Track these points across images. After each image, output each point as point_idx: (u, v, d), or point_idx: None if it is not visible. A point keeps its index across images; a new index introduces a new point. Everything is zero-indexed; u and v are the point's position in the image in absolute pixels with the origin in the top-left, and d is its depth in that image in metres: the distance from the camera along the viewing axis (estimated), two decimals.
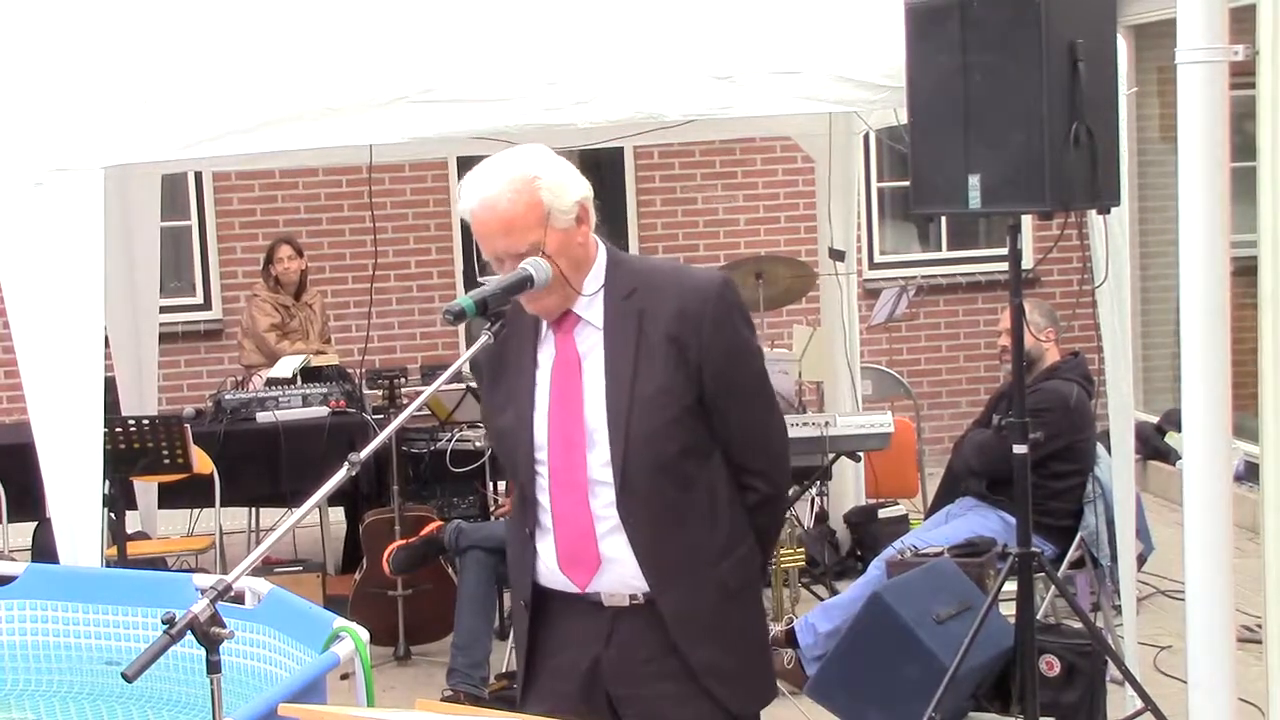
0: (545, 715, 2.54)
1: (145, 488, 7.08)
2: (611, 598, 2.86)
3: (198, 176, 9.40)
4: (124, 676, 2.28)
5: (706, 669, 2.86)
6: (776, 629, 5.75)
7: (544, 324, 2.88)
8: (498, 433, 2.98)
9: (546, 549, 2.88)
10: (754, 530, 2.97)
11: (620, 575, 2.84)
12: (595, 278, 2.85)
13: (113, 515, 5.69)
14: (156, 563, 6.67)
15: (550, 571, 2.89)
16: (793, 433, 6.29)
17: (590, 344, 2.84)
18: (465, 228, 9.88)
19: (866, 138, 7.87)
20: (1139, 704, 4.49)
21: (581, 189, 2.81)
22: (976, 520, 5.81)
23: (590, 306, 2.84)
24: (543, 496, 2.87)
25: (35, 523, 6.49)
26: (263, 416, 6.90)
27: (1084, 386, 5.74)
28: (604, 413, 2.80)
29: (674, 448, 2.81)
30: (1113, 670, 4.98)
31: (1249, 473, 7.05)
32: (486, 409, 3.03)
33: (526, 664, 2.97)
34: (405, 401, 6.52)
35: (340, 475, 2.48)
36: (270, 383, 7.20)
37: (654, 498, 2.80)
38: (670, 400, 2.79)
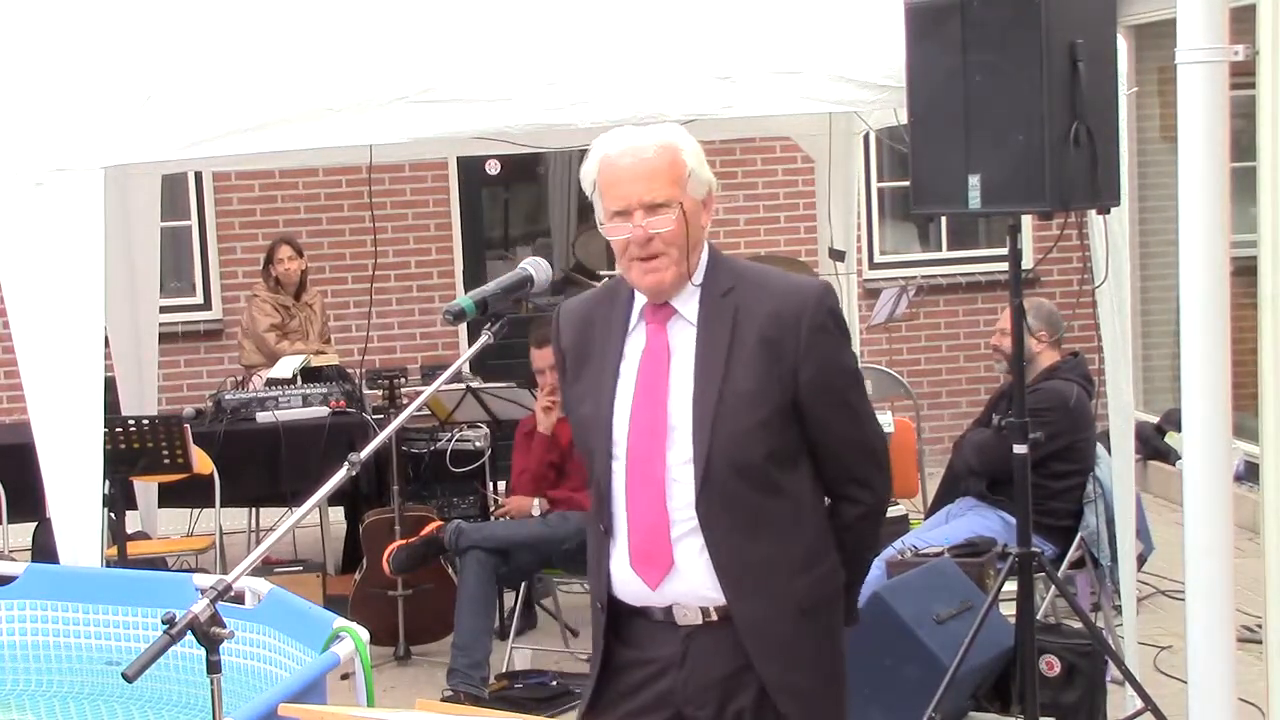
0: None
1: (145, 488, 7.08)
2: (685, 614, 2.80)
3: (198, 176, 9.39)
4: (124, 676, 2.28)
5: (779, 686, 2.78)
6: None
7: (634, 316, 2.83)
8: (577, 423, 2.92)
9: (620, 547, 2.82)
10: (849, 545, 2.92)
11: (693, 583, 2.77)
12: (698, 272, 2.81)
13: (113, 515, 5.69)
14: (156, 563, 6.67)
15: (623, 572, 2.82)
16: None
17: (682, 338, 2.80)
18: (466, 227, 9.97)
19: (866, 138, 7.87)
20: (1139, 704, 4.49)
21: (712, 178, 2.82)
22: (976, 520, 5.81)
23: (688, 301, 2.80)
24: (618, 491, 2.80)
25: (35, 523, 6.49)
26: (263, 416, 6.90)
27: (1084, 386, 5.73)
28: (689, 408, 2.74)
29: (761, 451, 2.75)
30: (1113, 670, 4.98)
31: (1249, 473, 7.05)
32: (567, 401, 2.97)
33: (598, 678, 2.90)
34: (405, 401, 6.52)
35: (340, 475, 2.48)
36: (270, 383, 7.20)
37: (735, 502, 2.74)
38: (760, 402, 2.74)
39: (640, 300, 2.83)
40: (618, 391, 2.80)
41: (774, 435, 2.76)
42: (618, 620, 2.87)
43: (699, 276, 2.80)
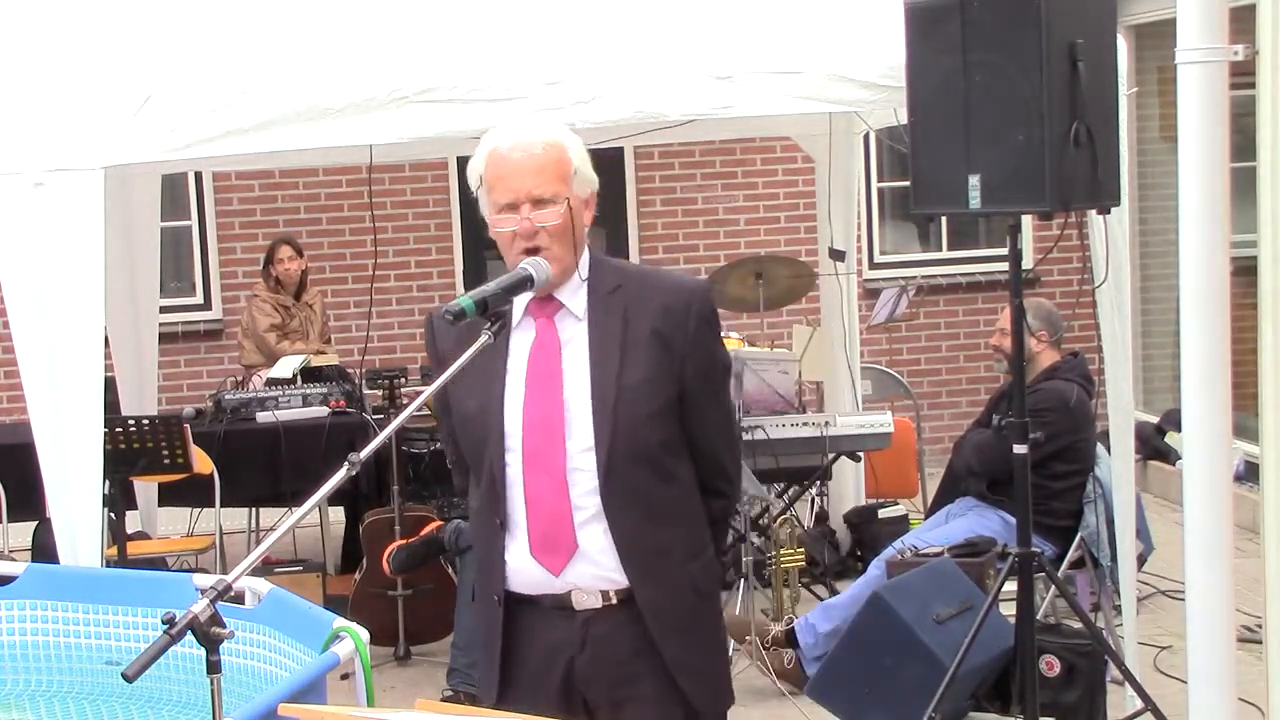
0: (534, 717, 2.53)
1: (145, 488, 7.08)
2: (583, 600, 2.84)
3: (198, 176, 9.40)
4: (124, 676, 2.28)
5: (680, 666, 2.87)
6: (776, 629, 5.75)
7: (518, 313, 2.86)
8: (461, 420, 2.93)
9: (518, 539, 2.85)
10: (711, 537, 3.03)
11: (596, 567, 2.83)
12: (582, 268, 2.87)
13: (113, 515, 5.69)
14: (156, 563, 6.67)
15: (521, 562, 2.85)
16: (793, 433, 6.45)
17: (571, 332, 2.85)
18: (466, 227, 9.98)
19: (866, 138, 7.87)
20: (1139, 704, 4.49)
21: (595, 178, 2.89)
22: (976, 520, 5.81)
23: (574, 296, 2.86)
24: (514, 483, 2.84)
25: (35, 523, 6.49)
26: (263, 416, 6.90)
27: (1084, 387, 5.74)
28: (588, 399, 2.80)
29: (656, 438, 2.83)
30: (1113, 670, 4.99)
31: (1249, 473, 7.05)
32: (449, 399, 2.95)
33: (500, 673, 2.94)
34: (405, 401, 6.52)
35: (340, 475, 2.48)
36: (270, 383, 7.20)
37: (636, 488, 2.81)
38: (654, 391, 2.82)
39: (523, 298, 2.85)
40: (507, 385, 2.84)
41: (667, 425, 2.86)
42: (511, 612, 2.91)
43: (584, 272, 2.87)
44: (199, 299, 9.76)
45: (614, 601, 2.85)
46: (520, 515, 2.85)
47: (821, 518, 7.31)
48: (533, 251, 2.77)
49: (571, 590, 2.85)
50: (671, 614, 2.86)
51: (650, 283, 2.91)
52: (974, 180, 4.16)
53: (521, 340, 2.86)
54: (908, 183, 4.54)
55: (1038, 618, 4.79)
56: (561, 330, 2.86)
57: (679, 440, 2.90)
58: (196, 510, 7.14)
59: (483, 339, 2.73)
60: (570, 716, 2.87)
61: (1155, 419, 8.88)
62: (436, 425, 6.79)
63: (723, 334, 3.04)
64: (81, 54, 4.46)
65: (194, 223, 9.71)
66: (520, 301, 2.85)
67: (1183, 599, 4.23)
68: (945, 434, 9.23)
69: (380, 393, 6.70)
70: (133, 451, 6.03)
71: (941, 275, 10.13)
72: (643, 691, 2.87)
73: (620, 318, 2.83)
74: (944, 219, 9.17)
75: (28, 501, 6.09)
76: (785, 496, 6.83)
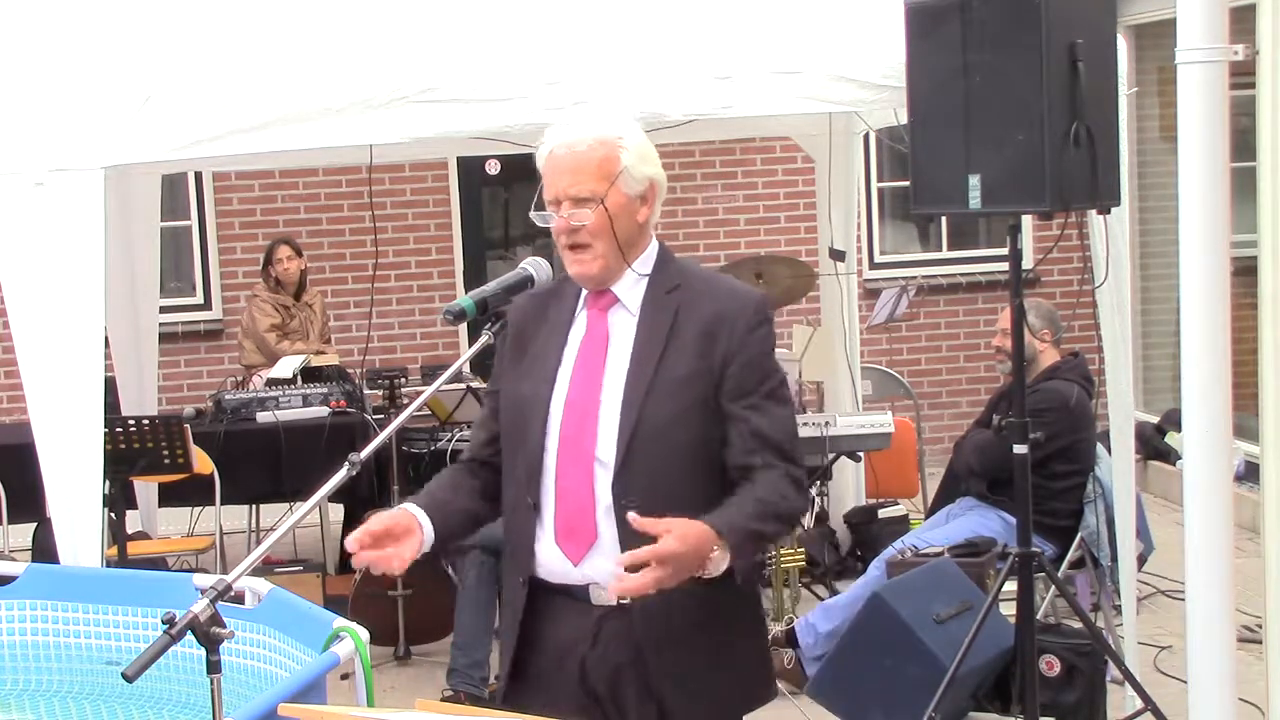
0: (537, 715, 2.53)
1: (145, 488, 7.08)
2: (599, 595, 2.84)
3: (198, 176, 9.40)
4: (124, 676, 2.28)
5: (666, 677, 2.83)
6: (776, 629, 5.75)
7: (579, 305, 2.89)
8: (513, 399, 2.94)
9: (545, 525, 2.87)
10: (757, 502, 2.81)
11: (611, 561, 2.80)
12: (644, 264, 2.87)
13: (113, 515, 5.69)
14: (156, 563, 6.67)
15: (546, 549, 2.87)
16: None
17: (622, 328, 2.86)
18: (465, 227, 9.99)
19: (866, 138, 7.87)
20: (1139, 704, 4.49)
21: (658, 171, 2.87)
22: (976, 520, 5.81)
23: (631, 291, 2.86)
24: (548, 469, 2.86)
25: (35, 523, 6.49)
26: (263, 416, 6.90)
27: (1084, 386, 5.74)
28: (621, 391, 2.80)
29: (683, 438, 2.80)
30: (1113, 670, 4.99)
31: (1249, 473, 7.05)
32: (503, 378, 2.98)
33: (514, 658, 2.95)
34: (405, 401, 6.52)
35: (340, 475, 2.49)
36: (270, 383, 7.20)
37: (652, 485, 2.79)
38: (690, 389, 2.80)
39: (585, 292, 2.89)
40: (557, 375, 2.87)
41: (696, 425, 2.82)
42: (535, 598, 2.92)
43: (644, 269, 2.86)
44: (199, 299, 9.76)
45: (627, 600, 2.82)
46: (550, 500, 2.86)
47: (821, 518, 7.31)
48: (574, 248, 2.80)
49: (590, 584, 2.84)
50: (664, 622, 2.81)
51: (709, 286, 2.89)
52: (974, 180, 4.17)
53: (578, 333, 2.89)
54: (908, 183, 4.54)
55: (1038, 618, 4.79)
56: (613, 323, 2.87)
57: (711, 443, 2.84)
58: (196, 510, 7.14)
59: (483, 339, 2.74)
60: (585, 710, 2.86)
61: (1155, 419, 8.88)
62: (437, 425, 6.85)
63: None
64: (82, 54, 4.46)
65: (194, 223, 9.71)
66: (582, 296, 2.89)
67: (1183, 599, 4.23)
68: (945, 434, 9.24)
69: (380, 393, 6.70)
70: (133, 451, 6.03)
71: (941, 275, 10.13)
72: (631, 697, 2.85)
73: (671, 315, 2.83)
74: (944, 219, 9.18)
75: (28, 501, 6.09)
76: None
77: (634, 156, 2.82)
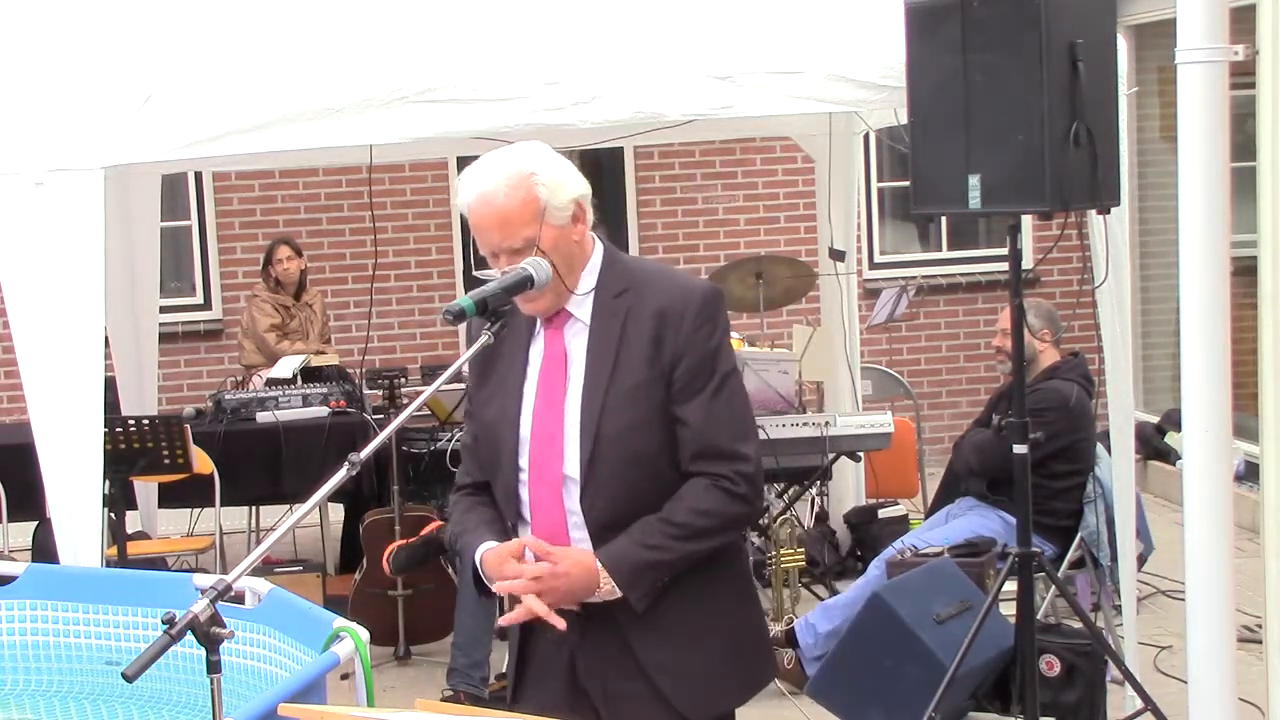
0: (537, 716, 2.54)
1: (145, 488, 7.08)
2: None
3: (198, 176, 9.40)
4: (124, 676, 2.28)
5: (658, 667, 2.85)
6: (776, 629, 5.75)
7: (537, 323, 2.90)
8: (484, 426, 2.97)
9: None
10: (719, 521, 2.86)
11: None
12: (589, 276, 2.87)
13: (113, 515, 5.69)
14: (156, 563, 6.67)
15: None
16: (793, 433, 6.45)
17: (578, 341, 2.86)
18: (466, 227, 9.94)
19: (866, 138, 7.87)
20: (1139, 704, 4.49)
21: (578, 187, 2.83)
22: (976, 520, 5.81)
23: (582, 304, 2.86)
24: (523, 492, 2.89)
25: (35, 523, 6.49)
26: (263, 416, 6.90)
27: (1084, 386, 5.74)
28: (579, 410, 2.82)
29: (648, 443, 2.81)
30: (1113, 670, 4.99)
31: (1249, 473, 7.05)
32: (472, 403, 3.02)
33: (518, 666, 3.00)
34: (405, 401, 6.52)
35: (340, 475, 2.49)
36: (270, 383, 7.20)
37: (620, 495, 2.80)
38: (646, 397, 2.80)
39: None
40: (523, 397, 2.88)
41: (657, 431, 2.82)
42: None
43: (589, 282, 2.86)
44: (199, 299, 9.76)
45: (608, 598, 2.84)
46: (527, 518, 2.90)
47: (821, 518, 7.31)
48: None
49: None
50: (646, 616, 2.83)
51: (655, 285, 2.87)
52: (974, 180, 4.17)
53: (538, 352, 2.90)
54: (908, 183, 4.54)
55: (1038, 618, 4.79)
56: (569, 340, 2.87)
57: (674, 447, 2.84)
58: (196, 510, 7.15)
59: (483, 339, 2.75)
60: (577, 708, 2.88)
61: (1155, 419, 8.88)
62: (437, 425, 6.85)
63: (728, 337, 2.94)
64: (82, 54, 4.46)
65: (194, 223, 9.71)
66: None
67: (1183, 599, 4.23)
68: (945, 434, 9.23)
69: (380, 393, 6.70)
70: (133, 451, 6.03)
71: (941, 275, 10.12)
72: (636, 689, 2.87)
73: (620, 323, 2.83)
74: (944, 219, 9.17)
75: (28, 501, 6.09)
76: (785, 496, 6.83)
77: (551, 187, 2.78)
